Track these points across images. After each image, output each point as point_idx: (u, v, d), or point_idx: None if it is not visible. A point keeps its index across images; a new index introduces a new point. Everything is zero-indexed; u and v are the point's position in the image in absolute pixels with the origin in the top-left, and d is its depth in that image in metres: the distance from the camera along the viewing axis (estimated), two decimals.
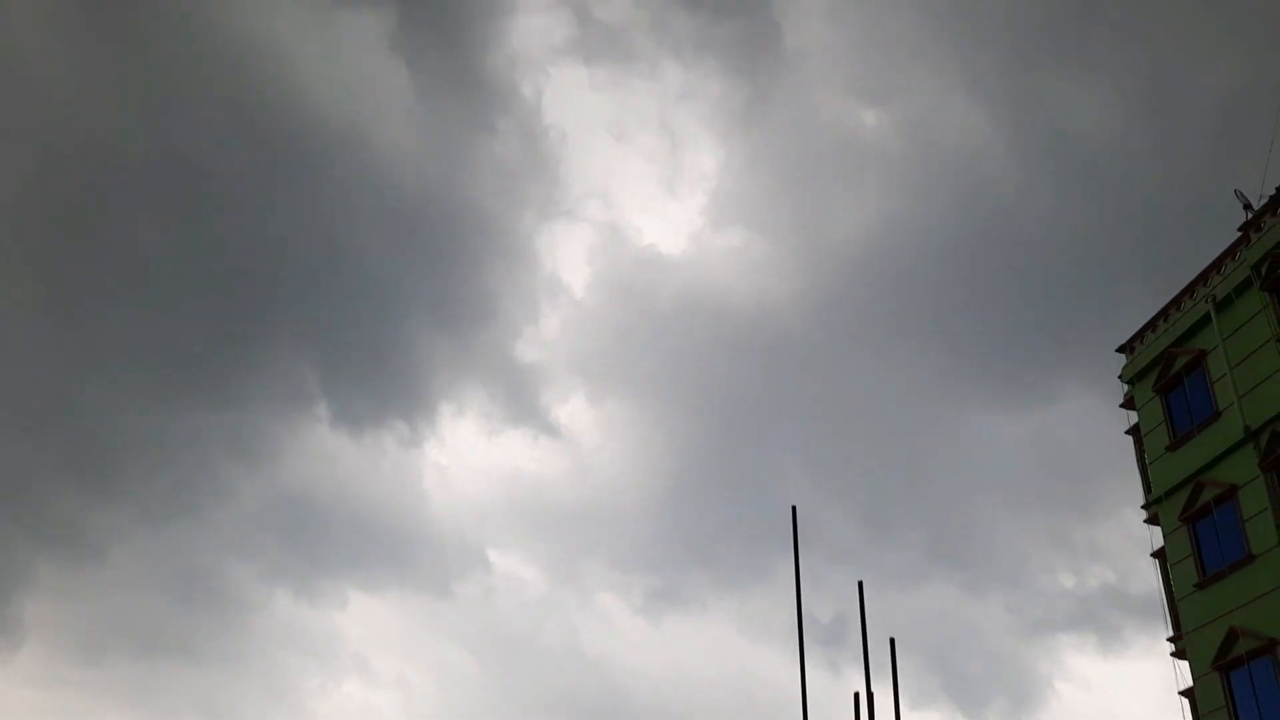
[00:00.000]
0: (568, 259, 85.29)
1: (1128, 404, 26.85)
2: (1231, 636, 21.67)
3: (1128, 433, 26.80)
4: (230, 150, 65.70)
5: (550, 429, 76.19)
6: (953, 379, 71.68)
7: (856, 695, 8.45)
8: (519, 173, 75.48)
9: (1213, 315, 23.89)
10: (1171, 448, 24.69)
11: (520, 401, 76.21)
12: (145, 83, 64.58)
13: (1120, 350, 27.13)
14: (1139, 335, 26.55)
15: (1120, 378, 27.01)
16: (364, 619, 70.06)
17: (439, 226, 72.04)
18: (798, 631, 9.82)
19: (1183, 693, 23.59)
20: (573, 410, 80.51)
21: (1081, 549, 66.26)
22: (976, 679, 64.36)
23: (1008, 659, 65.39)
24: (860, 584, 7.86)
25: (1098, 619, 62.33)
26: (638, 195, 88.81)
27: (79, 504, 62.86)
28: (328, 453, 71.59)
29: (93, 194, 63.32)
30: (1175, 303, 25.48)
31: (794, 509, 7.83)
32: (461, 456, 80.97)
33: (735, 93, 78.06)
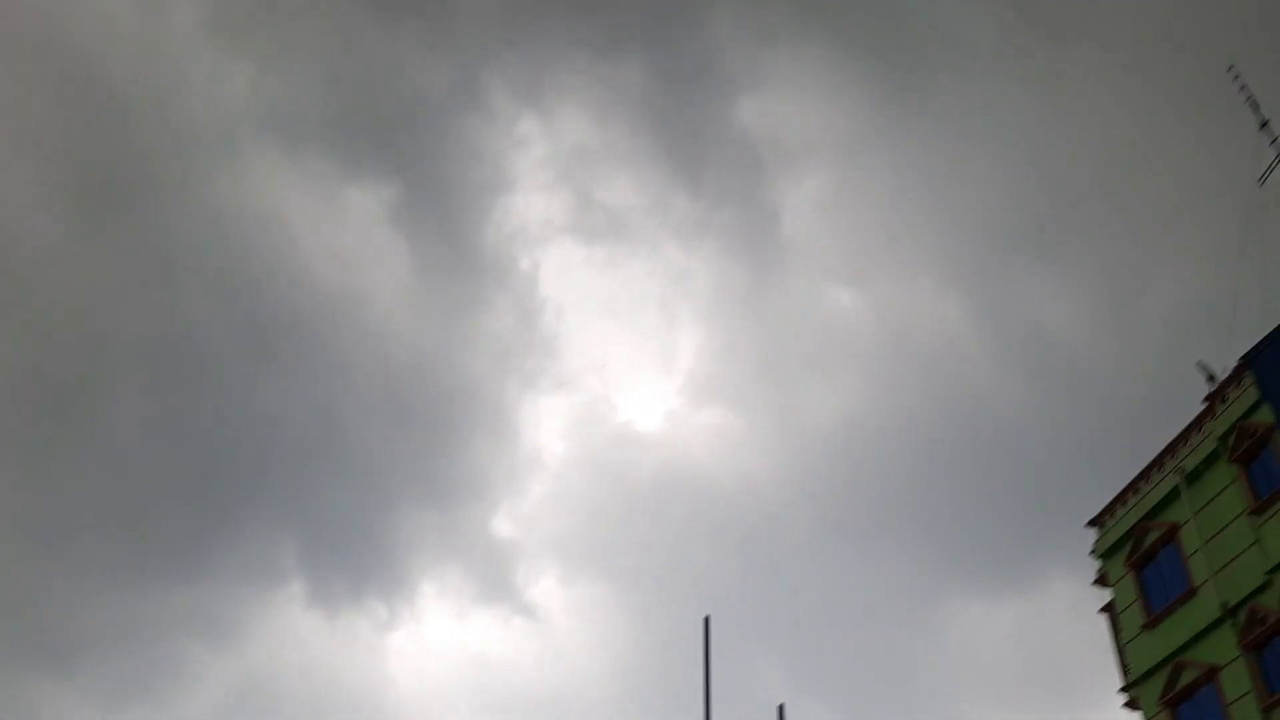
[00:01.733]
0: (550, 433, 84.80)
1: (1101, 580, 25.90)
2: None
3: (1102, 610, 25.73)
4: (225, 325, 66.28)
5: (524, 609, 73.70)
6: (934, 566, 70.33)
7: None
8: (511, 347, 76.14)
9: (1182, 488, 23.36)
10: (1148, 626, 23.64)
11: (494, 580, 74.04)
12: (144, 258, 65.70)
13: (1091, 524, 26.41)
14: (1109, 509, 25.90)
15: (1092, 553, 26.17)
16: None
17: (430, 400, 71.95)
18: None
19: None
20: (545, 590, 78.14)
21: None
22: None
23: None
24: (780, 708, 7.02)
25: None
26: (626, 372, 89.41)
27: (35, 687, 59.65)
28: (299, 634, 68.80)
29: (78, 369, 63.18)
30: (1145, 475, 24.98)
31: (706, 620, 7.09)
32: (433, 636, 77.99)
33: (726, 275, 79.85)
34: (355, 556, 70.55)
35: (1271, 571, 20.44)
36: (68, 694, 61.60)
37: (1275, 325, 21.95)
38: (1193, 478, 23.23)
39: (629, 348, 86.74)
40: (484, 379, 74.57)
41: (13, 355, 60.66)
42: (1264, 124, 26.66)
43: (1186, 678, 22.09)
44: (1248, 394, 22.26)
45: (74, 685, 61.86)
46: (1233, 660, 20.98)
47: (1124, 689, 24.15)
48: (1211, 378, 23.78)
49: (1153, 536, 24.07)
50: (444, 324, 74.67)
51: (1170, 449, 24.31)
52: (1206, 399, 23.50)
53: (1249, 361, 22.37)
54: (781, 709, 7.20)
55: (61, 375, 61.98)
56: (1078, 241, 72.97)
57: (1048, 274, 72.83)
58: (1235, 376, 22.78)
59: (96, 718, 62.11)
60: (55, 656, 61.88)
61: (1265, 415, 21.67)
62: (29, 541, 61.38)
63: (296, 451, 68.58)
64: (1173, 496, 23.72)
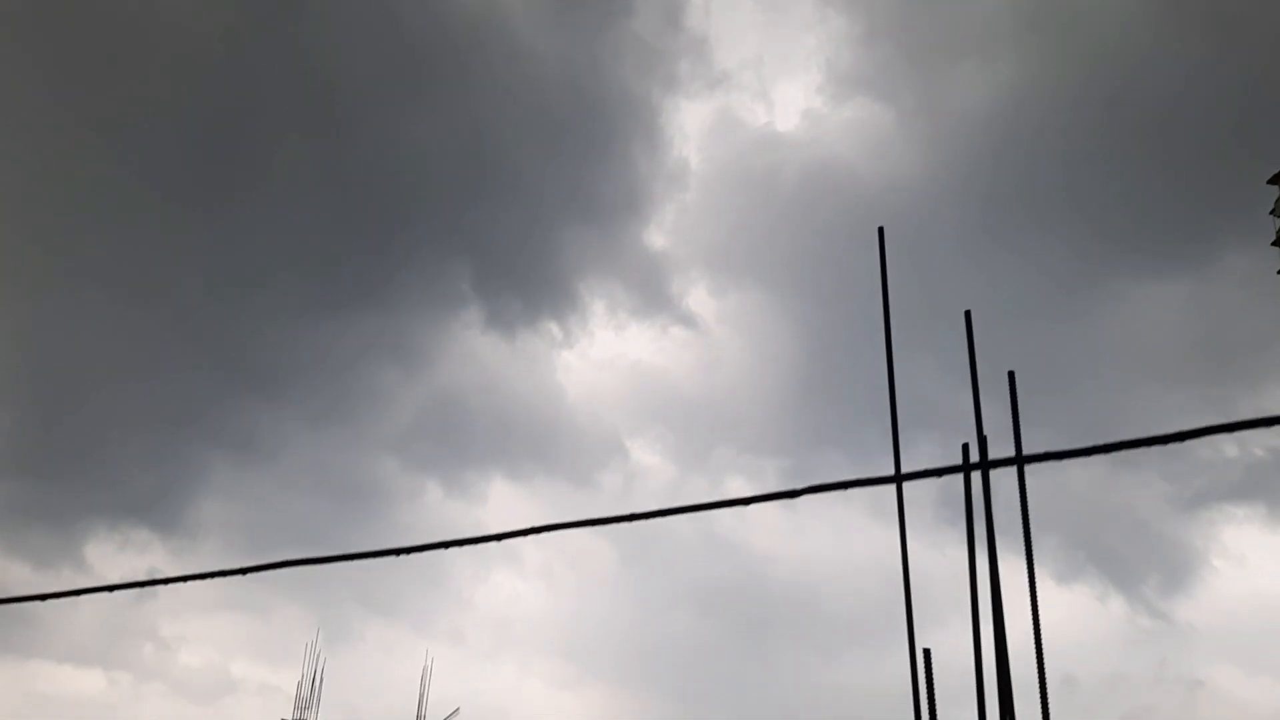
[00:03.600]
0: (699, 139, 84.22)
1: None
2: None
3: None
4: (367, 60, 67.00)
5: (681, 319, 76.39)
6: (1094, 252, 68.17)
7: (965, 445, 7.56)
8: (657, 50, 74.45)
9: None
10: None
11: (651, 293, 76.52)
12: (272, 4, 66.06)
13: (1272, 182, 25.29)
14: None
15: (1272, 212, 25.22)
16: (511, 509, 73.20)
17: (580, 114, 72.02)
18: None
19: None
20: (698, 300, 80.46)
21: (1248, 417, 62.77)
22: (1126, 554, 62.30)
23: (1160, 533, 63.09)
24: (968, 314, 7.46)
25: (1269, 489, 59.27)
26: (780, 69, 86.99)
27: (252, 412, 67.28)
28: (479, 356, 73.99)
29: (229, 112, 65.63)
30: None
31: (880, 230, 7.47)
32: (600, 351, 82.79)
33: None
34: (525, 279, 73.94)
35: None
36: (280, 417, 69.22)
37: None
38: None
39: (781, 42, 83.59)
40: (632, 87, 73.65)
41: (181, 135, 63.75)
42: None
43: None
44: None
45: (285, 409, 69.48)
46: None
47: None
48: None
49: None
50: (587, 31, 73.32)
51: None
52: None
53: None
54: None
55: (225, 142, 64.87)
56: None
57: None
58: None
59: (307, 436, 69.73)
60: (268, 385, 69.23)
61: None
62: (230, 289, 67.07)
63: (457, 178, 70.78)
64: None
